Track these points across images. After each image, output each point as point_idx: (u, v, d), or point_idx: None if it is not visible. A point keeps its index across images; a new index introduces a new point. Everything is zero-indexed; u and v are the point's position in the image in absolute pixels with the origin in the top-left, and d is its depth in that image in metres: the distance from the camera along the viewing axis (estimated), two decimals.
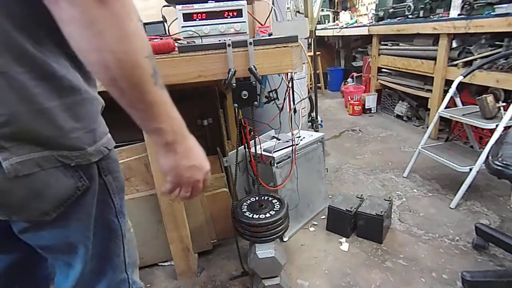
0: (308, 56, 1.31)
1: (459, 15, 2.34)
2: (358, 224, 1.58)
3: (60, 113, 0.47)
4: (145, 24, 1.28)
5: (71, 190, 0.51)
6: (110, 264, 0.64)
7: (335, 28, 4.44)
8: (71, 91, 0.49)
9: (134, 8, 0.43)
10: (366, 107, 3.69)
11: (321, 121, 2.49)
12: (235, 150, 1.23)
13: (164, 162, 0.55)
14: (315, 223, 1.73)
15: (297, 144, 1.55)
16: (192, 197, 0.61)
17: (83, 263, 0.59)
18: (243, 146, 1.34)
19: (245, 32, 1.11)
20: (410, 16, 3.01)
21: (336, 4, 5.49)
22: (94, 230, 0.58)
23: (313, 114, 2.37)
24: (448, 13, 2.48)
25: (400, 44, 3.12)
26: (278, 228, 1.14)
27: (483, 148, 1.70)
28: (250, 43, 1.00)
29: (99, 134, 0.55)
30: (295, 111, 1.58)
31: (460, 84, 1.99)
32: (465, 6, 2.26)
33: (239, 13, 1.08)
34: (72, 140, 0.49)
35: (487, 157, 1.11)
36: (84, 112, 0.52)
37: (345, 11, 4.97)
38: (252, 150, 1.31)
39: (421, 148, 2.03)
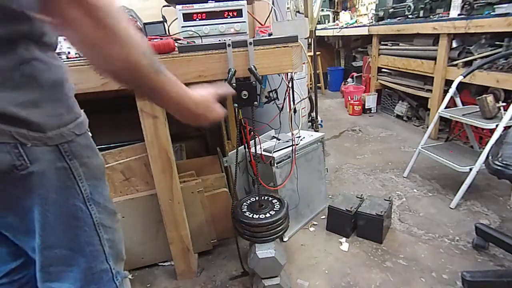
0: (308, 56, 1.31)
1: (459, 15, 2.34)
2: (358, 224, 1.58)
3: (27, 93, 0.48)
4: (145, 24, 1.28)
5: (4, 166, 0.48)
6: (80, 253, 0.61)
7: (335, 28, 4.44)
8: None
9: (124, 20, 0.49)
10: (366, 107, 3.69)
11: (321, 121, 2.49)
12: (235, 150, 1.23)
13: (184, 113, 0.64)
14: (315, 223, 1.73)
15: (297, 144, 1.55)
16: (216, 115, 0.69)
17: (39, 249, 0.57)
18: (243, 146, 1.34)
19: (245, 32, 1.11)
20: (410, 16, 3.01)
21: (336, 4, 5.49)
22: (51, 216, 0.56)
23: (313, 114, 2.37)
24: (448, 13, 2.48)
25: (400, 44, 3.12)
26: (278, 228, 1.14)
27: (483, 148, 1.70)
28: (250, 43, 1.00)
29: (66, 120, 0.55)
30: (295, 111, 1.58)
31: (460, 84, 1.99)
32: (465, 6, 2.26)
33: (239, 13, 1.08)
34: (33, 120, 0.49)
35: (487, 157, 1.11)
36: (48, 97, 0.52)
37: (345, 11, 4.97)
38: (252, 150, 1.31)
39: (421, 148, 2.04)
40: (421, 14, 2.86)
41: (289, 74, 1.30)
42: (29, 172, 0.50)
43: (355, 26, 4.00)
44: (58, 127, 0.53)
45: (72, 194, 0.58)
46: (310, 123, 2.40)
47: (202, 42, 1.08)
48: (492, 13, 2.05)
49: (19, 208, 0.54)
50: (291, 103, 1.39)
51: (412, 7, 2.94)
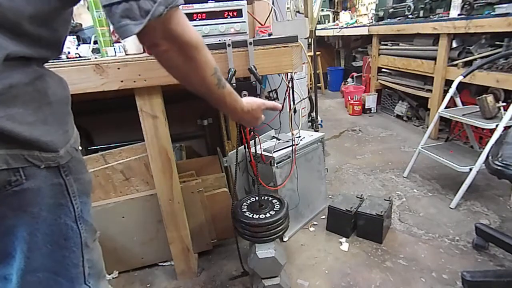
0: (308, 56, 1.31)
1: (459, 15, 2.34)
2: (358, 224, 1.58)
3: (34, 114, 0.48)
4: None
5: (0, 180, 0.46)
6: (64, 276, 0.57)
7: (335, 28, 4.43)
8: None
9: (203, 49, 0.61)
10: (366, 107, 3.69)
11: (321, 121, 2.49)
12: (235, 150, 1.23)
13: (236, 117, 0.82)
14: (315, 223, 1.73)
15: (297, 144, 1.55)
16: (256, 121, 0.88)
17: (21, 274, 0.52)
18: (243, 146, 1.34)
19: (245, 32, 1.11)
20: (410, 16, 3.01)
21: (336, 4, 5.49)
22: (40, 236, 0.52)
23: (313, 114, 2.37)
24: (448, 13, 2.48)
25: (400, 44, 3.12)
26: (278, 228, 1.14)
27: (483, 148, 1.70)
28: (250, 43, 1.00)
29: (70, 135, 0.55)
30: (295, 111, 1.58)
31: (460, 84, 1.99)
32: (465, 6, 2.26)
33: (239, 13, 1.08)
34: (45, 139, 0.49)
35: (487, 157, 1.11)
36: (57, 114, 0.52)
37: (345, 11, 4.97)
38: (252, 150, 1.31)
39: (421, 148, 2.03)
40: (421, 14, 2.86)
41: (289, 74, 1.30)
42: (23, 188, 0.48)
43: (355, 26, 4.00)
44: (65, 144, 0.53)
45: (65, 212, 0.54)
46: (310, 123, 2.40)
47: None
48: (492, 13, 2.04)
49: (1, 229, 0.50)
50: (291, 103, 1.39)
51: (412, 7, 2.94)
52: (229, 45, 0.99)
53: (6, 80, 0.43)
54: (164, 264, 1.48)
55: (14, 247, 0.51)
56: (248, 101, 0.81)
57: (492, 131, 1.65)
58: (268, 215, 1.14)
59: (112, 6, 0.49)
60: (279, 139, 1.62)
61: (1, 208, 0.48)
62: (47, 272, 0.55)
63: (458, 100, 2.06)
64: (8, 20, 0.43)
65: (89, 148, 1.64)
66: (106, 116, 1.63)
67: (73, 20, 1.60)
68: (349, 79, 4.31)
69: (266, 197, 1.27)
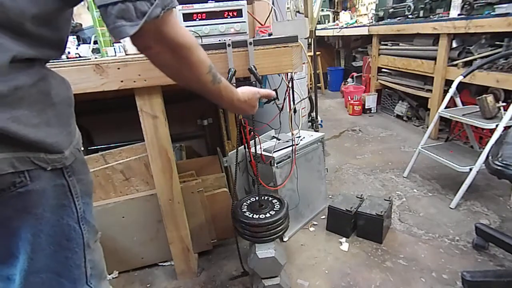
0: (308, 56, 1.31)
1: (459, 15, 2.34)
2: (358, 224, 1.58)
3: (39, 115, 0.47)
4: None
5: (2, 182, 0.45)
6: (67, 276, 0.57)
7: (335, 28, 4.43)
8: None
9: (197, 49, 0.61)
10: (366, 107, 3.69)
11: (321, 121, 2.49)
12: (235, 150, 1.23)
13: (233, 109, 0.83)
14: (315, 223, 1.73)
15: (297, 144, 1.55)
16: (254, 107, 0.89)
17: (24, 275, 0.52)
18: (243, 146, 1.34)
19: (245, 32, 1.11)
20: (410, 16, 3.01)
21: (336, 4, 5.49)
22: (44, 237, 0.52)
23: (313, 114, 2.37)
24: (448, 13, 2.48)
25: (400, 44, 3.12)
26: (278, 228, 1.14)
27: (483, 148, 1.70)
28: (250, 43, 1.00)
29: (73, 136, 0.55)
30: (295, 111, 1.58)
31: (460, 84, 1.99)
32: (465, 6, 2.26)
33: (239, 13, 1.08)
34: (50, 141, 0.48)
35: (487, 157, 1.11)
36: (60, 115, 0.52)
37: (345, 11, 4.97)
38: (252, 150, 1.31)
39: (421, 148, 2.04)
40: (421, 14, 2.86)
41: (289, 74, 1.30)
42: (27, 190, 0.48)
43: (355, 26, 4.00)
44: (69, 145, 0.53)
45: (67, 212, 0.55)
46: (310, 123, 2.40)
47: (202, 42, 1.08)
48: (492, 13, 2.04)
49: (5, 230, 0.50)
50: (291, 103, 1.39)
51: (412, 7, 2.94)
52: (229, 45, 0.99)
53: (12, 82, 0.43)
54: (164, 264, 1.48)
55: (18, 248, 0.51)
56: (243, 91, 0.82)
57: (492, 131, 1.65)
58: (268, 215, 1.14)
59: (107, 6, 0.48)
60: (279, 139, 1.62)
61: (6, 210, 0.48)
62: (50, 273, 0.55)
63: (458, 100, 2.06)
64: (10, 21, 0.42)
65: (89, 148, 1.64)
66: (106, 116, 1.63)
67: (73, 20, 1.60)
68: (349, 79, 4.31)
69: (266, 197, 1.27)
